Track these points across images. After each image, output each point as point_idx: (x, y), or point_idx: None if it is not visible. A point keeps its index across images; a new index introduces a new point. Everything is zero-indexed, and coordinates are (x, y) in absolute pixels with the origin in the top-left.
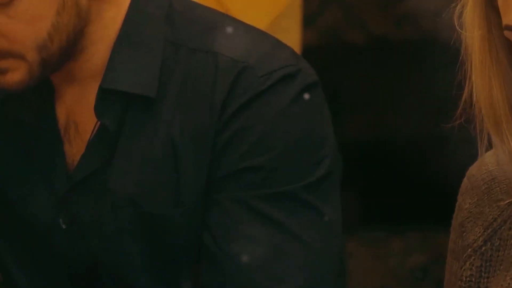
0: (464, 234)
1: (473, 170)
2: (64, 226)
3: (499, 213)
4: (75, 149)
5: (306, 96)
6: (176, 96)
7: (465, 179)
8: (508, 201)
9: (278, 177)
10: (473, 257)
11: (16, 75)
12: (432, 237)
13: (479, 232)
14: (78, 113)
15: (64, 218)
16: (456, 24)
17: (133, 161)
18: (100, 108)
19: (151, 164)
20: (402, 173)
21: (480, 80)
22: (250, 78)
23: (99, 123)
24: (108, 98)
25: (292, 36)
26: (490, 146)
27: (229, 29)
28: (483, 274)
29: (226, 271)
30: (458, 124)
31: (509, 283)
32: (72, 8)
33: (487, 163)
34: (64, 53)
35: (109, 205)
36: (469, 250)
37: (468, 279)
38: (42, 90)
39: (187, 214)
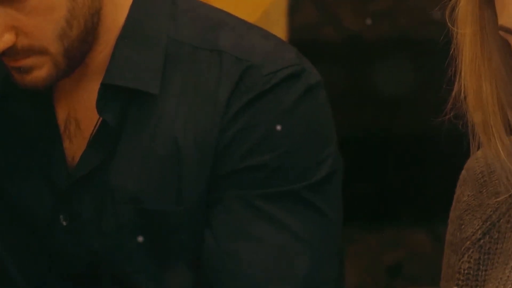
0: (463, 226)
1: (471, 162)
2: (64, 223)
3: (497, 206)
4: (75, 146)
5: (310, 96)
6: (179, 93)
7: (463, 171)
8: (506, 195)
9: (281, 176)
10: (471, 250)
11: (43, 71)
12: (407, 234)
13: (478, 225)
14: (79, 110)
15: (64, 214)
16: (447, 20)
17: (134, 158)
18: (101, 103)
19: (153, 161)
20: (378, 170)
21: (470, 78)
22: (254, 77)
23: (100, 119)
24: (110, 94)
25: (278, 30)
26: None
27: (233, 28)
28: (481, 267)
29: (227, 270)
30: (448, 119)
31: (508, 276)
32: None
33: (485, 155)
34: (84, 39)
35: (110, 202)
36: (468, 242)
37: (466, 271)
38: None
39: (189, 212)
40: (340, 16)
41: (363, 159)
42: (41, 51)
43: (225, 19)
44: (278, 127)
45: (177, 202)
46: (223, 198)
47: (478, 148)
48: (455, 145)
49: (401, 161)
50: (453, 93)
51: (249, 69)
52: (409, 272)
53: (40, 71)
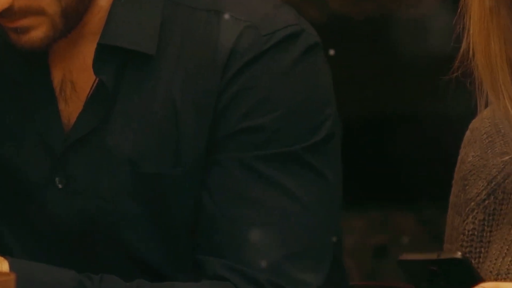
0: (467, 187)
1: (476, 123)
2: (60, 186)
3: (502, 166)
4: (71, 108)
5: (309, 56)
6: (177, 55)
7: (467, 132)
8: (511, 155)
9: (280, 138)
10: (476, 211)
11: (40, 31)
12: (393, 216)
13: (482, 186)
14: (75, 71)
15: (60, 177)
16: None
17: (131, 120)
18: (98, 64)
19: (150, 123)
20: (363, 152)
21: (478, 35)
22: (253, 37)
23: (97, 80)
24: (106, 55)
25: None
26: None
27: None
28: (485, 227)
29: (225, 233)
30: (455, 78)
31: None
32: None
33: (490, 116)
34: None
35: (106, 165)
36: (472, 203)
37: (470, 232)
38: None
39: (187, 175)
40: None
41: (348, 141)
42: (38, 12)
43: None
44: (277, 88)
45: (174, 164)
46: (221, 161)
47: (486, 108)
48: (442, 128)
49: (387, 144)
50: (461, 51)
51: (247, 29)
52: (395, 255)
53: (37, 32)
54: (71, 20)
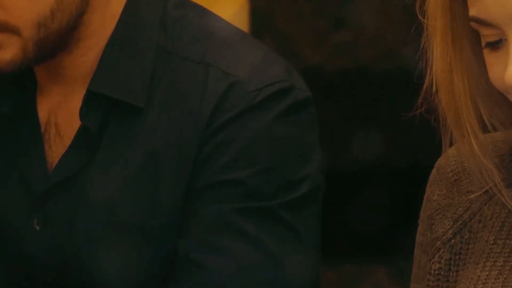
0: (433, 226)
1: (441, 161)
2: (38, 228)
3: (468, 205)
4: (54, 153)
5: (294, 114)
6: (163, 105)
7: (433, 170)
8: (477, 193)
9: (257, 192)
10: (442, 250)
11: (8, 52)
12: (368, 270)
13: (448, 225)
14: (60, 115)
15: (38, 219)
16: (417, 12)
17: (113, 167)
18: (85, 110)
19: (131, 172)
20: (337, 204)
21: (441, 71)
22: (239, 93)
23: (82, 125)
24: (94, 101)
25: None
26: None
27: (223, 39)
28: (452, 267)
29: (195, 282)
30: (419, 114)
31: (479, 276)
32: None
33: (456, 154)
34: (61, 37)
35: (84, 210)
36: (438, 243)
37: (437, 272)
38: (25, 85)
39: (164, 226)
40: (300, 49)
41: (324, 193)
42: (14, 31)
43: (215, 28)
44: (258, 144)
45: (151, 215)
46: (197, 210)
47: (451, 144)
48: (418, 178)
49: (361, 196)
50: (424, 87)
51: (234, 84)
52: None
53: (5, 53)
54: (44, 53)
